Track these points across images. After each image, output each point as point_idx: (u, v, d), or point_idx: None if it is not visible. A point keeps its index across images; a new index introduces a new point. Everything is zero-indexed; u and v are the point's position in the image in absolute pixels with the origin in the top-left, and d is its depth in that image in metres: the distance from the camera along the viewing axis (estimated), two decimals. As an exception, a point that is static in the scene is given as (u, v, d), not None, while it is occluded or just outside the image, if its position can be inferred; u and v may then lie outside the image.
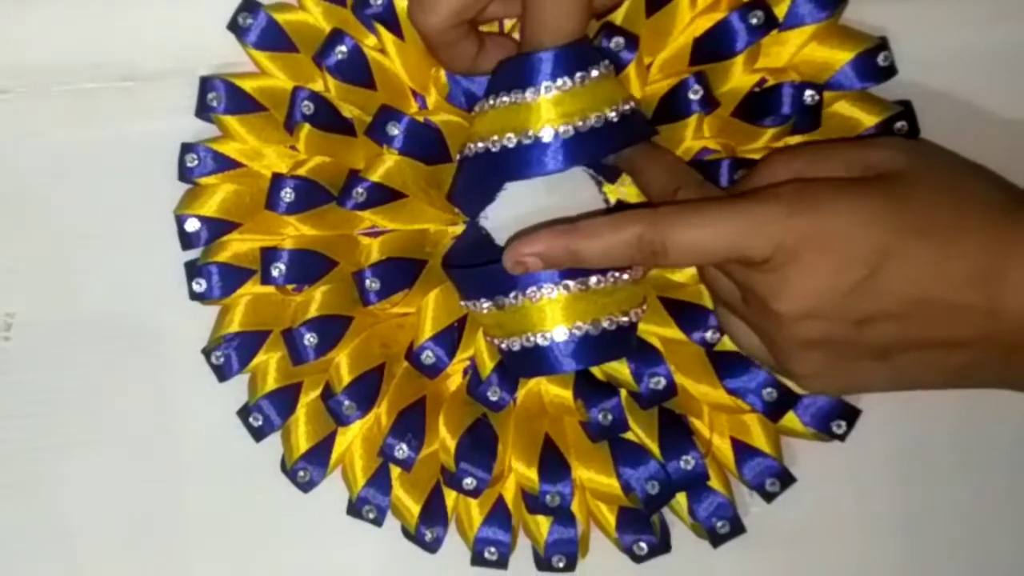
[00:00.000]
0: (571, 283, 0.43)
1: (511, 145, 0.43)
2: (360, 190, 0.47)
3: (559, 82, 0.42)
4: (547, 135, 0.42)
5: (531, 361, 0.45)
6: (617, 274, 0.44)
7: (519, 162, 0.43)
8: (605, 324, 0.44)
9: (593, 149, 0.43)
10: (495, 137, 0.43)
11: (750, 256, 0.41)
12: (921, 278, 0.40)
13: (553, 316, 0.44)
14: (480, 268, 0.45)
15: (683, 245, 0.41)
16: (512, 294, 0.44)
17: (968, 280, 0.40)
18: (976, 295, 0.40)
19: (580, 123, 0.43)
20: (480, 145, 0.44)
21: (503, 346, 0.46)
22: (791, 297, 0.41)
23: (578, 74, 0.43)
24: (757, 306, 0.42)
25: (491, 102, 0.44)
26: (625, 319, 0.45)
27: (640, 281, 0.45)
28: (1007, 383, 0.43)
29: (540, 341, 0.44)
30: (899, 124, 0.49)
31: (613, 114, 0.43)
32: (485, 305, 0.45)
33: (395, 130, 0.47)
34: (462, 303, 0.47)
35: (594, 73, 0.43)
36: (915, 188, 0.41)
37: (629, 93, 0.45)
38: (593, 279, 0.43)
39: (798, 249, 0.40)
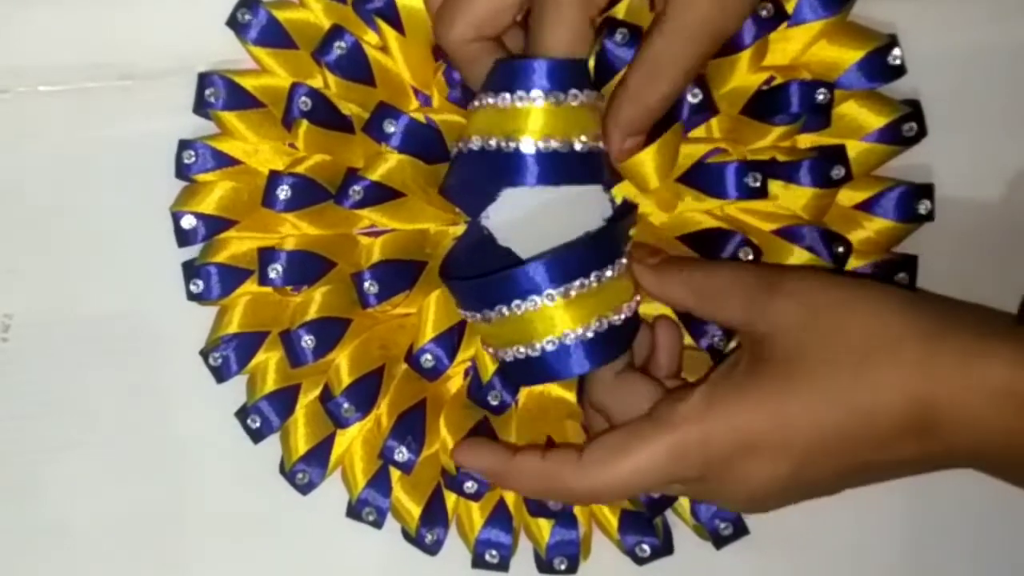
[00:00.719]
0: (561, 289, 0.43)
1: (491, 148, 0.43)
2: (357, 188, 0.47)
3: (550, 96, 0.42)
4: (526, 145, 0.42)
5: (529, 370, 0.44)
6: (602, 273, 0.43)
7: (498, 167, 0.43)
8: (599, 326, 0.43)
9: (570, 171, 0.43)
10: (482, 137, 0.43)
11: (681, 479, 0.43)
12: (850, 446, 0.41)
13: (548, 324, 0.43)
14: (472, 281, 0.44)
15: (613, 486, 0.43)
16: (504, 305, 0.43)
17: (896, 434, 0.40)
18: (910, 445, 0.40)
19: (560, 143, 0.42)
20: (469, 144, 0.44)
21: (500, 356, 0.45)
22: (735, 500, 0.43)
23: (571, 90, 0.42)
24: (705, 501, 0.47)
25: (485, 100, 0.43)
26: (618, 317, 0.44)
27: (627, 274, 0.45)
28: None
29: (534, 351, 0.43)
30: (908, 125, 0.48)
31: (580, 145, 0.43)
32: (479, 316, 0.44)
33: (392, 128, 0.47)
34: (460, 312, 0.46)
35: (586, 97, 0.43)
36: (812, 356, 0.41)
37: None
38: (576, 283, 0.43)
39: (728, 462, 0.41)
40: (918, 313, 0.41)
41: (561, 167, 0.43)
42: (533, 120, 0.42)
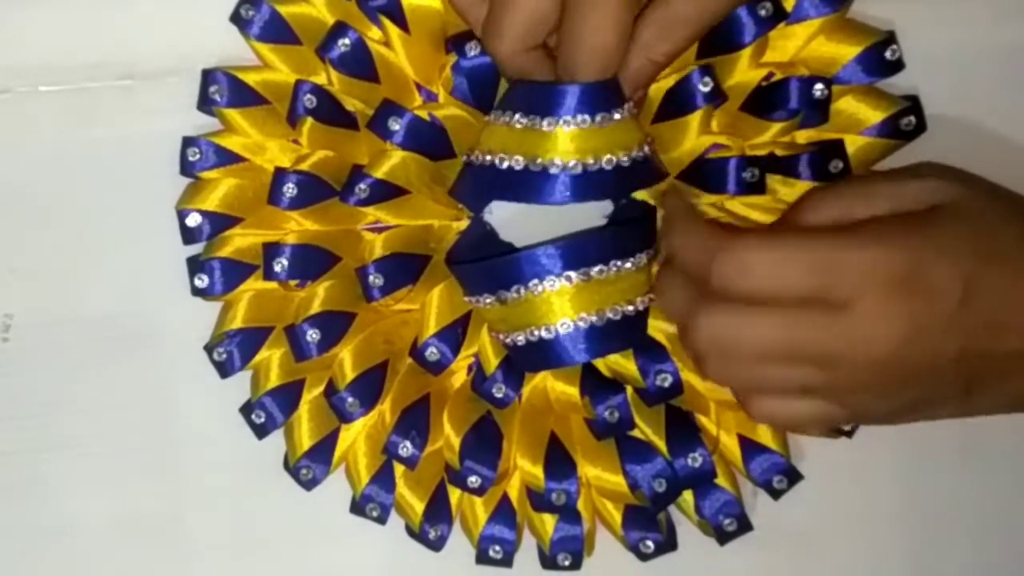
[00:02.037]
0: (573, 274, 0.43)
1: (518, 167, 0.43)
2: (363, 186, 0.47)
3: (579, 118, 0.43)
4: (555, 167, 0.43)
5: (537, 355, 0.44)
6: (619, 263, 0.44)
7: (523, 186, 0.43)
8: (610, 315, 0.44)
9: (599, 189, 0.43)
10: (503, 155, 0.43)
11: (832, 295, 0.39)
12: (1003, 305, 0.40)
13: (557, 308, 0.43)
14: (482, 263, 0.45)
15: (763, 263, 0.40)
16: (514, 288, 0.44)
17: None
18: None
19: (591, 162, 0.43)
20: (488, 157, 0.44)
21: (508, 341, 0.45)
22: (882, 340, 0.39)
23: (599, 114, 0.43)
24: (818, 365, 0.40)
25: (506, 118, 0.44)
26: (631, 308, 0.44)
27: (645, 269, 0.45)
28: None
29: (544, 334, 0.44)
30: (906, 120, 0.49)
31: (625, 159, 0.43)
32: (488, 300, 0.45)
33: (396, 125, 0.47)
34: (466, 299, 0.47)
35: (616, 116, 0.43)
36: (976, 216, 0.41)
37: (645, 136, 0.45)
38: (595, 269, 0.43)
39: (888, 284, 0.39)
40: None
41: (596, 185, 0.43)
42: (563, 143, 0.43)
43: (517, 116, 0.43)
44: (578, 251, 0.43)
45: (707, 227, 0.43)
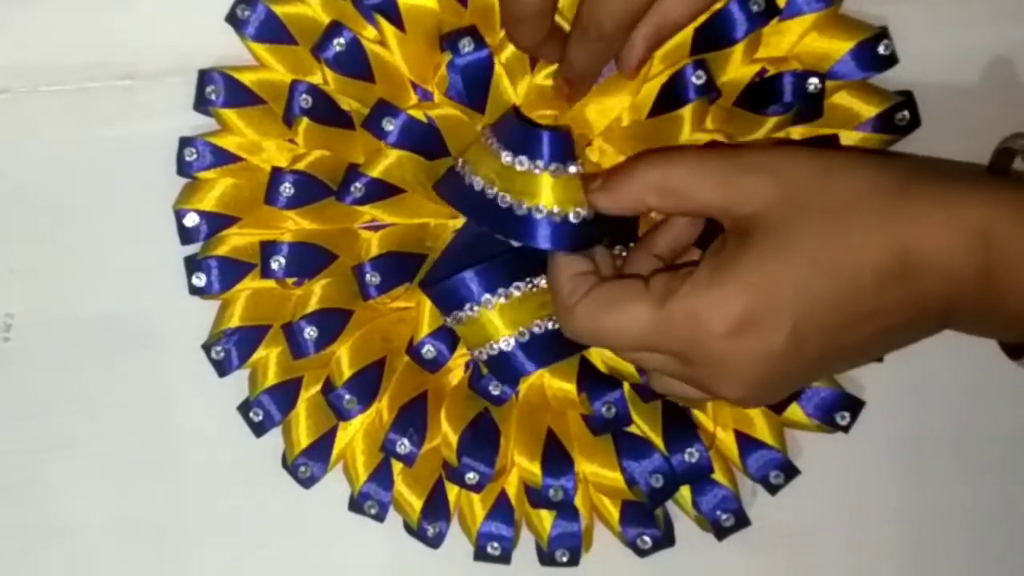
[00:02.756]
0: (501, 291, 0.45)
1: (504, 205, 0.44)
2: (359, 185, 0.47)
3: (559, 167, 0.44)
4: (539, 213, 0.44)
5: (498, 368, 0.47)
6: (535, 280, 0.46)
7: (510, 225, 0.44)
8: (535, 329, 0.46)
9: (575, 239, 0.45)
10: (493, 188, 0.45)
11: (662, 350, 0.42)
12: (842, 307, 0.41)
13: (498, 325, 0.45)
14: (431, 287, 0.47)
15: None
16: (464, 309, 0.46)
17: (880, 282, 0.40)
18: (896, 291, 0.40)
19: (574, 212, 0.44)
20: (477, 181, 0.45)
21: (475, 356, 0.47)
22: (730, 386, 0.42)
23: (572, 165, 0.44)
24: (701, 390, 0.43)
25: (496, 147, 0.45)
26: (553, 324, 0.46)
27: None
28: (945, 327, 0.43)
29: (503, 346, 0.46)
30: (900, 114, 0.49)
31: (589, 212, 0.45)
32: (449, 320, 0.47)
33: (391, 126, 0.47)
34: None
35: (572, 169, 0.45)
36: (800, 227, 0.41)
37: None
38: (514, 288, 0.45)
39: (718, 338, 0.41)
40: (891, 168, 0.42)
41: (572, 234, 0.44)
42: (547, 190, 0.44)
43: (507, 152, 0.44)
44: (493, 273, 0.45)
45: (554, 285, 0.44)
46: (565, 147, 0.44)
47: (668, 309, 0.41)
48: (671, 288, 0.41)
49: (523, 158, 0.44)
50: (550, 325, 0.46)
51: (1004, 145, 0.45)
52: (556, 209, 0.44)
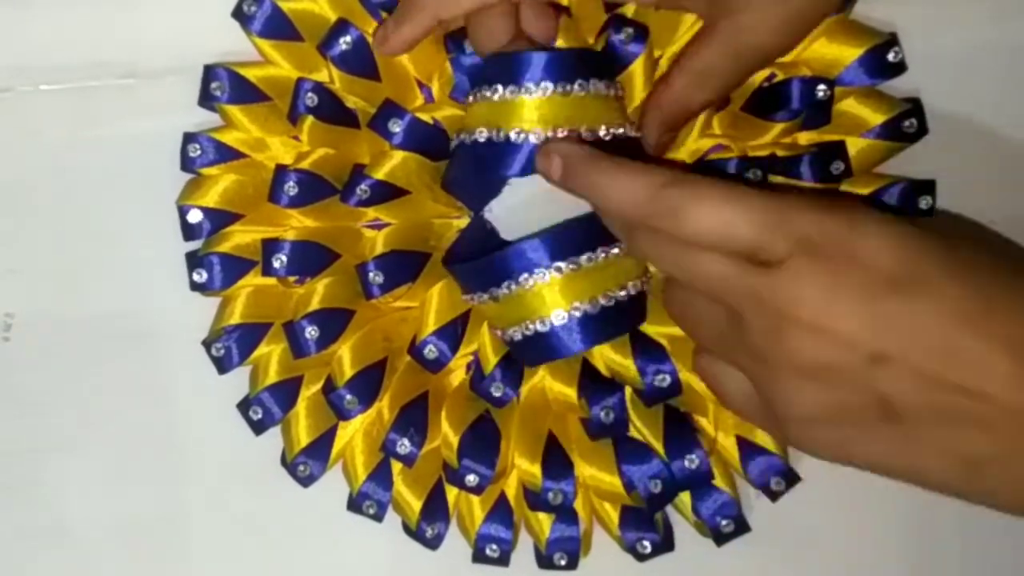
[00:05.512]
0: (563, 264, 0.43)
1: (486, 139, 0.44)
2: (364, 187, 0.47)
3: (542, 86, 0.43)
4: (518, 137, 0.43)
5: (534, 348, 0.45)
6: (607, 249, 0.44)
7: (486, 158, 0.43)
8: (603, 301, 0.44)
9: None
10: (481, 129, 0.44)
11: (769, 249, 0.36)
12: (952, 325, 0.35)
13: (549, 300, 0.43)
14: (473, 261, 0.45)
15: (703, 213, 0.37)
16: (505, 284, 0.44)
17: (1006, 343, 0.34)
18: (1011, 364, 0.34)
19: (551, 133, 0.43)
20: (467, 136, 0.44)
21: (506, 336, 0.45)
22: (804, 303, 0.35)
23: (563, 83, 0.43)
24: (754, 320, 0.37)
25: (484, 93, 0.44)
26: (623, 293, 0.44)
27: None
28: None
29: (540, 327, 0.44)
30: (908, 122, 0.49)
31: (588, 132, 0.43)
32: (483, 298, 0.45)
33: (397, 127, 0.47)
34: (464, 297, 0.47)
35: (584, 89, 0.43)
36: (955, 235, 0.38)
37: (629, 121, 0.45)
38: (584, 257, 0.43)
39: (823, 248, 0.36)
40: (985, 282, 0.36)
41: None
42: (530, 110, 0.43)
43: (491, 89, 0.44)
44: (563, 241, 0.43)
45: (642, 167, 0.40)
46: (556, 65, 0.43)
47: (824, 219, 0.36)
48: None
49: (501, 87, 0.43)
50: (604, 302, 0.43)
51: None
52: (535, 132, 0.43)
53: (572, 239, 0.43)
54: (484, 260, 0.44)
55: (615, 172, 0.40)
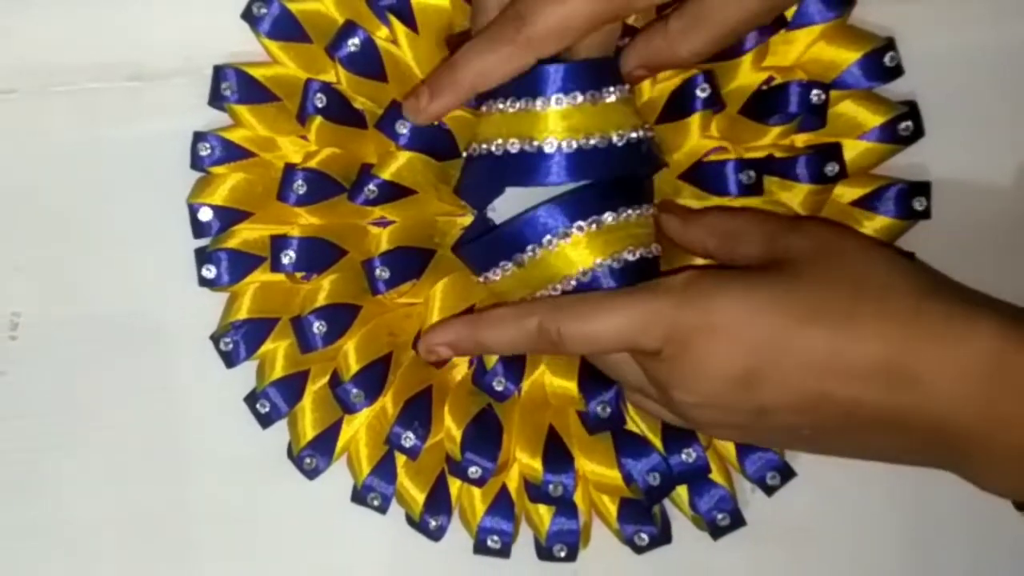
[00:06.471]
0: (583, 224, 0.44)
1: (514, 151, 0.44)
2: (371, 187, 0.48)
3: (569, 96, 0.44)
4: (550, 146, 0.44)
5: None
6: (628, 210, 0.45)
7: (521, 168, 0.44)
8: (628, 256, 0.45)
9: (594, 168, 0.44)
10: (499, 141, 0.44)
11: (642, 348, 0.42)
12: (814, 369, 0.40)
13: (576, 259, 0.44)
14: (491, 234, 0.46)
15: (577, 337, 0.43)
16: (529, 248, 0.44)
17: (866, 373, 0.40)
18: (877, 390, 0.40)
19: (584, 140, 0.44)
20: (484, 147, 0.45)
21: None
22: (685, 387, 0.42)
23: (589, 92, 0.44)
24: (658, 391, 0.44)
25: (499, 105, 0.45)
26: (646, 250, 0.45)
27: (646, 220, 0.46)
28: (937, 465, 0.42)
29: (565, 288, 0.45)
30: (904, 124, 0.49)
31: (617, 138, 0.44)
32: (507, 267, 0.45)
33: (404, 128, 0.47)
34: (480, 279, 0.47)
35: (608, 97, 0.44)
36: (808, 276, 0.42)
37: (643, 123, 0.46)
38: (607, 215, 0.44)
39: (687, 341, 0.41)
40: (916, 273, 0.42)
41: (590, 164, 0.44)
42: (554, 121, 0.44)
43: (508, 101, 0.44)
44: (581, 203, 0.44)
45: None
46: (578, 75, 0.44)
47: (657, 301, 0.42)
48: (664, 284, 0.43)
49: (526, 99, 0.44)
50: (628, 256, 0.45)
51: None
52: (567, 140, 0.43)
53: (588, 201, 0.44)
54: (505, 229, 0.45)
55: (495, 326, 0.45)
